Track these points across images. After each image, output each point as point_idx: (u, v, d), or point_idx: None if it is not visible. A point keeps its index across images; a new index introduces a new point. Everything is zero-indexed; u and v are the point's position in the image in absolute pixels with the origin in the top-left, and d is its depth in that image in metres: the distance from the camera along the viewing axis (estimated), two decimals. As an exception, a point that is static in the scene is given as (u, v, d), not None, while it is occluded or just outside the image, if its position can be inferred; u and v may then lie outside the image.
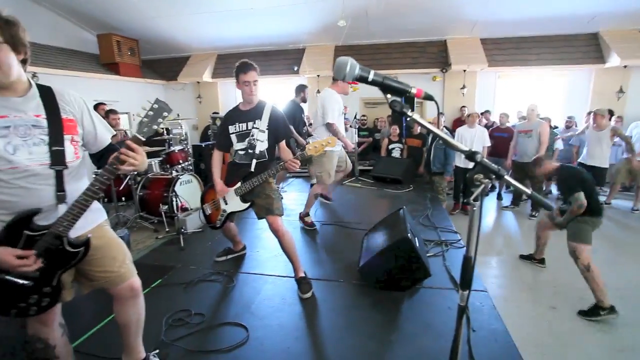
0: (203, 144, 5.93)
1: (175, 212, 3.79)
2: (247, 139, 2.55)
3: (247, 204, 2.60)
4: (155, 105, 1.27)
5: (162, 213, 3.81)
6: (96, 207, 1.47)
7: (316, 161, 3.65)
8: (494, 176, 0.86)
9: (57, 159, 1.26)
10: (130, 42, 7.67)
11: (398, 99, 0.85)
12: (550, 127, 5.82)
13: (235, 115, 2.59)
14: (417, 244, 2.48)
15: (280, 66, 8.19)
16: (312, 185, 5.62)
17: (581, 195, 2.73)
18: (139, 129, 1.26)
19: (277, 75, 8.10)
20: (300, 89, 4.99)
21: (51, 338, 1.45)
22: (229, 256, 3.11)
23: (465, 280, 0.92)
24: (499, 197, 6.17)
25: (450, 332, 2.04)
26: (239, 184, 2.55)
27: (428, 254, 2.93)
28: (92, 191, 1.26)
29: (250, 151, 2.54)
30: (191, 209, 4.00)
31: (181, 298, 2.51)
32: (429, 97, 0.88)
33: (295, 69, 7.90)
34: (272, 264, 3.01)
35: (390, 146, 6.36)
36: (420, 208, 4.35)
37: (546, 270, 3.57)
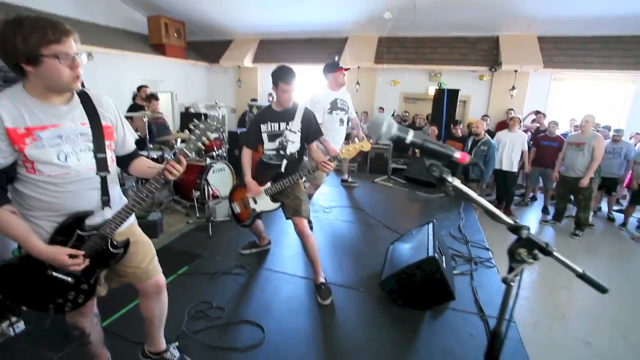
0: (239, 131, 6.02)
1: (207, 199, 3.90)
2: (278, 139, 2.57)
3: (277, 204, 2.61)
4: (202, 125, 1.35)
5: (194, 199, 3.94)
6: None
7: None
8: (539, 253, 0.77)
9: (102, 166, 1.32)
10: (177, 24, 7.85)
11: (437, 162, 0.77)
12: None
13: (269, 114, 2.59)
14: (444, 264, 2.37)
15: (321, 55, 8.04)
16: (342, 180, 5.59)
17: None
18: (187, 144, 1.36)
19: (317, 64, 7.95)
20: None
21: (87, 327, 1.57)
22: (254, 250, 3.17)
23: (492, 357, 0.83)
24: (545, 211, 5.78)
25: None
26: (269, 184, 2.56)
27: (455, 272, 2.81)
28: (140, 198, 1.33)
29: (281, 152, 2.57)
30: (222, 197, 4.10)
31: (204, 289, 2.59)
32: (474, 163, 0.80)
33: (336, 58, 7.72)
34: (294, 263, 3.02)
35: None
36: (451, 216, 4.18)
37: (585, 298, 3.31)
